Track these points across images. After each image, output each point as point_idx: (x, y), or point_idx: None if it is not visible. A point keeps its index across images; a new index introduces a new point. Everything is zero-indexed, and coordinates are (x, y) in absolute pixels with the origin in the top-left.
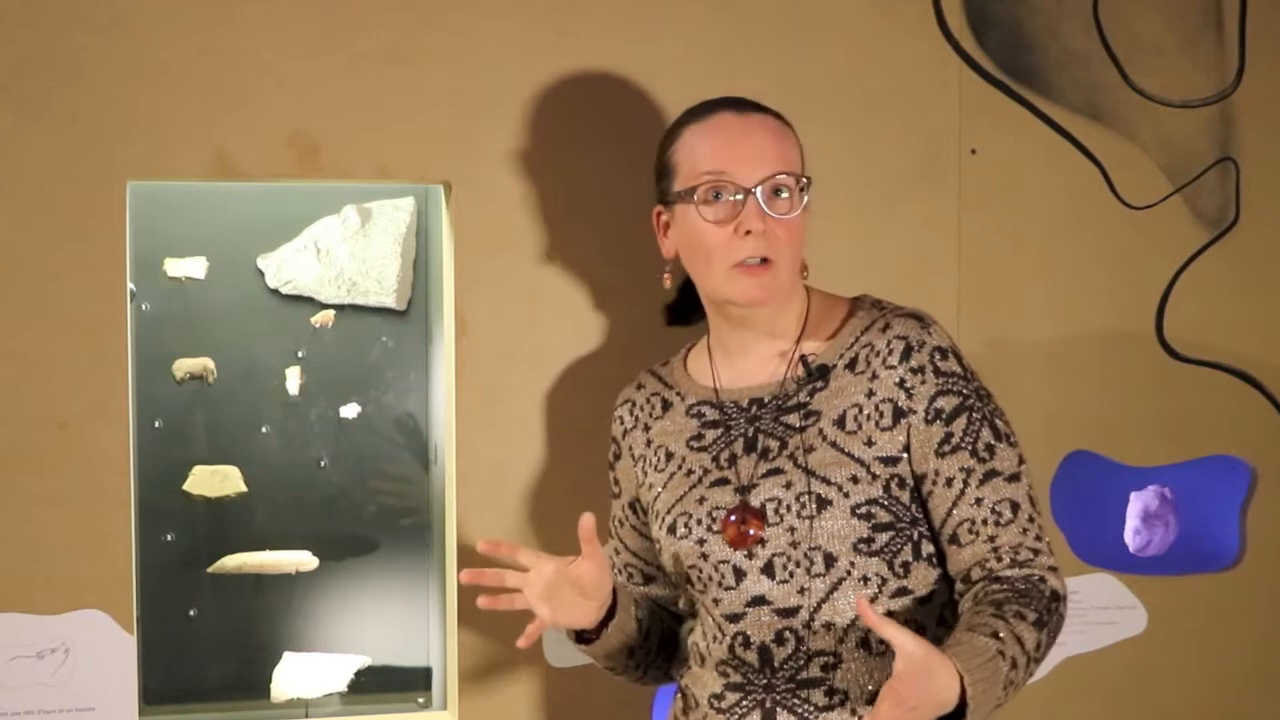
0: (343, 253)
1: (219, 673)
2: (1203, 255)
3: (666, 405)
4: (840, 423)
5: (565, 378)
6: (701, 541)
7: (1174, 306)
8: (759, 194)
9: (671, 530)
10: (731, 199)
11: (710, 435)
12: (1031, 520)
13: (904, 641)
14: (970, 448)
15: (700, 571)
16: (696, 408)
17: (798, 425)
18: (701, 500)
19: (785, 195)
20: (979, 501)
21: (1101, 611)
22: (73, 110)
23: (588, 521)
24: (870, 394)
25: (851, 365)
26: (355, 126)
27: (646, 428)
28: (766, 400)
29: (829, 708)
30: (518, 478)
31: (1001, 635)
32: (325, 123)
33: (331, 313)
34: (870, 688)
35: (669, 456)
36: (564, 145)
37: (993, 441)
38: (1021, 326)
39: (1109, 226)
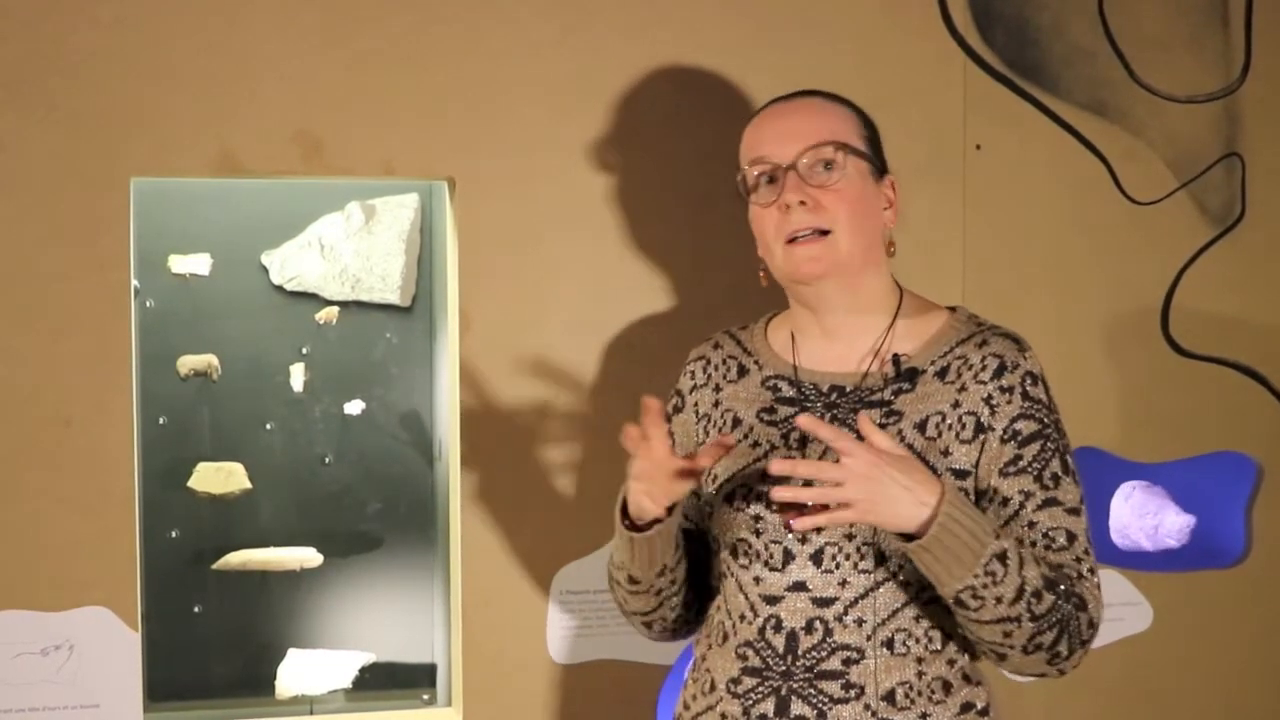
0: (347, 249)
1: (223, 669)
2: (1208, 251)
3: (743, 371)
4: (921, 427)
5: (569, 374)
6: (757, 517)
7: (1179, 302)
8: (799, 168)
9: (729, 499)
10: (775, 180)
11: (783, 411)
12: (1087, 553)
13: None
14: (1036, 473)
15: (749, 546)
16: (773, 381)
17: (877, 422)
18: (765, 476)
19: (830, 166)
20: (1033, 525)
21: (1107, 608)
22: (77, 108)
23: (728, 440)
24: (956, 404)
25: (942, 374)
26: (359, 123)
27: (718, 388)
28: (848, 389)
29: (843, 701)
30: (522, 474)
31: (1004, 540)
32: (329, 119)
33: (336, 309)
34: (888, 685)
35: (736, 423)
36: (568, 142)
37: (1059, 473)
38: (1027, 322)
39: (1114, 222)
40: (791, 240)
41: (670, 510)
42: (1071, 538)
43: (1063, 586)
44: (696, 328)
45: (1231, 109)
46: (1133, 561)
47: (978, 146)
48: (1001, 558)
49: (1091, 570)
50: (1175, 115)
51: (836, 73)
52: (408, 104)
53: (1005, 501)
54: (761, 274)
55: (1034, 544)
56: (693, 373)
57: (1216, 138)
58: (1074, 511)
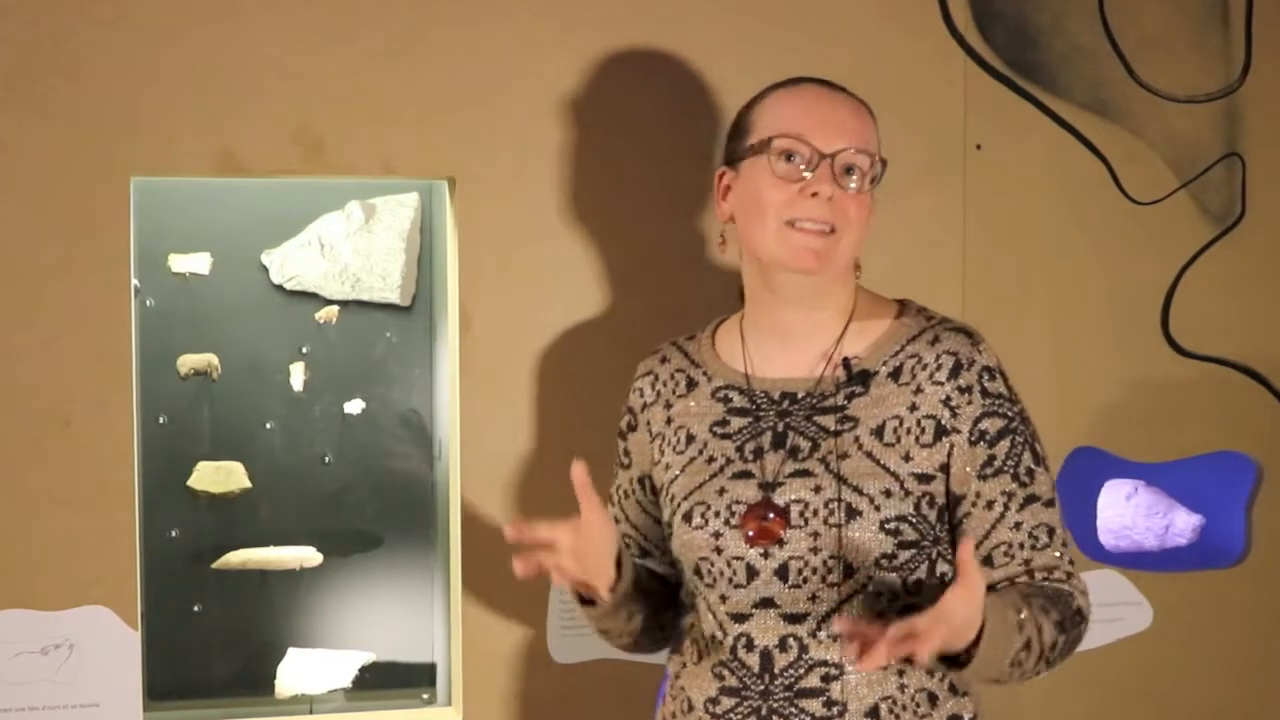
0: (347, 249)
1: (223, 669)
2: (1208, 251)
3: (691, 384)
4: (879, 433)
5: (569, 373)
6: (717, 534)
7: (1179, 302)
8: (834, 163)
9: (687, 518)
10: (804, 163)
11: (736, 423)
12: (1065, 545)
13: (979, 582)
14: (1012, 471)
15: (711, 565)
16: (723, 391)
17: (832, 428)
18: (722, 491)
19: (856, 175)
20: (1018, 525)
21: (1107, 608)
22: (77, 106)
23: (580, 473)
24: (913, 408)
25: (895, 375)
26: (360, 122)
27: (668, 404)
28: (800, 396)
29: (826, 719)
30: (522, 473)
31: (1023, 616)
32: (330, 118)
33: (336, 309)
34: (870, 701)
35: (690, 439)
36: (568, 140)
37: (1033, 466)
38: (1026, 322)
39: (1114, 222)
40: (791, 223)
41: (619, 569)
42: (1051, 532)
43: (1068, 618)
44: (695, 326)
45: (1231, 109)
46: (1133, 561)
47: (978, 146)
48: (1026, 645)
49: (1071, 562)
50: (1175, 115)
51: (836, 72)
52: (408, 104)
53: (990, 505)
54: (721, 241)
55: (1021, 545)
56: (641, 390)
57: (1216, 138)
58: (1050, 503)
